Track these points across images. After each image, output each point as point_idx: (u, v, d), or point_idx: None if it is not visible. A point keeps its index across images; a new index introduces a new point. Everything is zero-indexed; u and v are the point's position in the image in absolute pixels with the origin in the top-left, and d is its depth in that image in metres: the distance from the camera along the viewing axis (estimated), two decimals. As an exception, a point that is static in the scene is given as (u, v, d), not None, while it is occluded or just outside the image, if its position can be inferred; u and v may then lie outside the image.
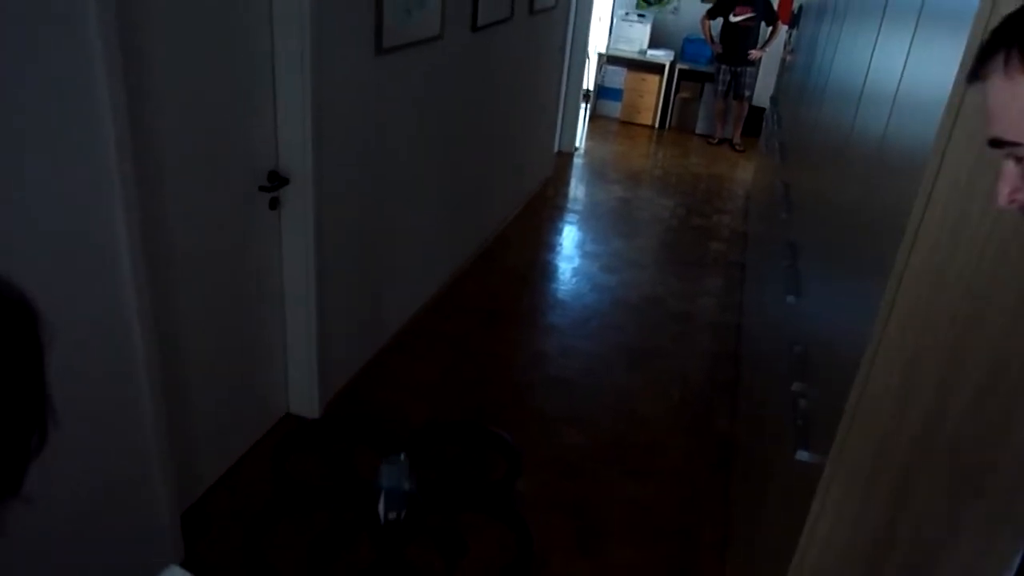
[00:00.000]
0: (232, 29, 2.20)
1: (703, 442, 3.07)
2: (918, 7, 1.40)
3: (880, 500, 1.27)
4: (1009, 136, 0.66)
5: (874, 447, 1.23)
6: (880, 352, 1.19)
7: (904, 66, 1.43)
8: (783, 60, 5.94)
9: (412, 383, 3.25)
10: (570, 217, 5.55)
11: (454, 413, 3.08)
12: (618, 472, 2.84)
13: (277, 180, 2.49)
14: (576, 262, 4.71)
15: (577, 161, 6.86)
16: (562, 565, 2.38)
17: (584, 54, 6.82)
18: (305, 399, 2.91)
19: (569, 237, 5.19)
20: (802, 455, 1.41)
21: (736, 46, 6.98)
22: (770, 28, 6.97)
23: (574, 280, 4.43)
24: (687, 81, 7.98)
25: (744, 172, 6.86)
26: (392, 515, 1.65)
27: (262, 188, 2.46)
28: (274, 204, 2.53)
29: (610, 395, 3.35)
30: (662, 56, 7.88)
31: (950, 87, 1.05)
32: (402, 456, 1.72)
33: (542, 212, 5.47)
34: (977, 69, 0.66)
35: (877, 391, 1.21)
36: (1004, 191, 0.69)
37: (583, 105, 7.24)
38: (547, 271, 4.65)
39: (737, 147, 7.48)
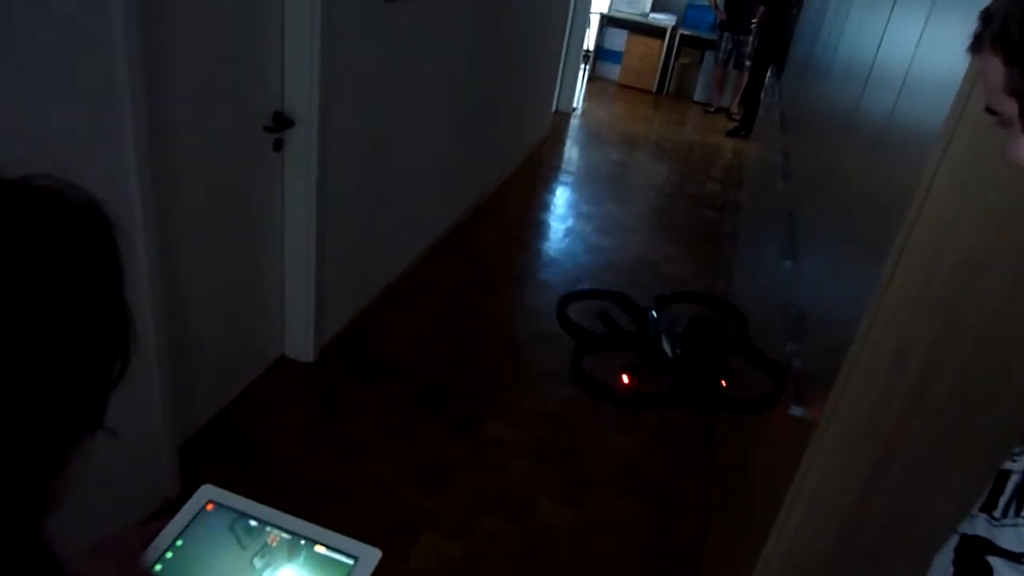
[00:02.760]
0: (244, -36, 2.17)
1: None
2: None
3: (872, 452, 1.33)
4: (992, 105, 0.74)
5: (870, 401, 1.29)
6: (880, 314, 1.24)
7: (917, 47, 1.45)
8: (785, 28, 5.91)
9: (406, 333, 3.29)
10: (565, 178, 5.55)
11: (448, 363, 3.12)
12: (606, 427, 2.91)
13: (282, 122, 2.48)
14: (570, 222, 4.73)
15: (574, 122, 6.84)
16: (548, 511, 2.45)
17: (587, 14, 6.76)
18: (300, 343, 2.93)
19: (564, 197, 5.20)
20: (796, 411, 1.46)
21: (741, 14, 6.94)
22: None
23: (567, 240, 4.46)
24: (688, 47, 7.94)
25: (737, 143, 6.87)
26: (675, 345, 2.16)
27: (267, 129, 2.45)
28: (278, 145, 2.53)
29: (600, 353, 3.39)
30: (664, 20, 7.82)
31: (963, 70, 1.08)
32: (652, 313, 2.31)
33: (538, 171, 5.47)
34: (973, 43, 0.74)
35: (875, 348, 1.26)
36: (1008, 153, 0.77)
37: (582, 66, 7.19)
38: (541, 230, 4.67)
39: (733, 116, 7.48)
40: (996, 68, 0.72)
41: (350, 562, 0.69)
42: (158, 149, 1.86)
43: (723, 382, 2.45)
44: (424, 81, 3.32)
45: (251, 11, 2.25)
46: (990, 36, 0.71)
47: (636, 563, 2.33)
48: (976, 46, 0.74)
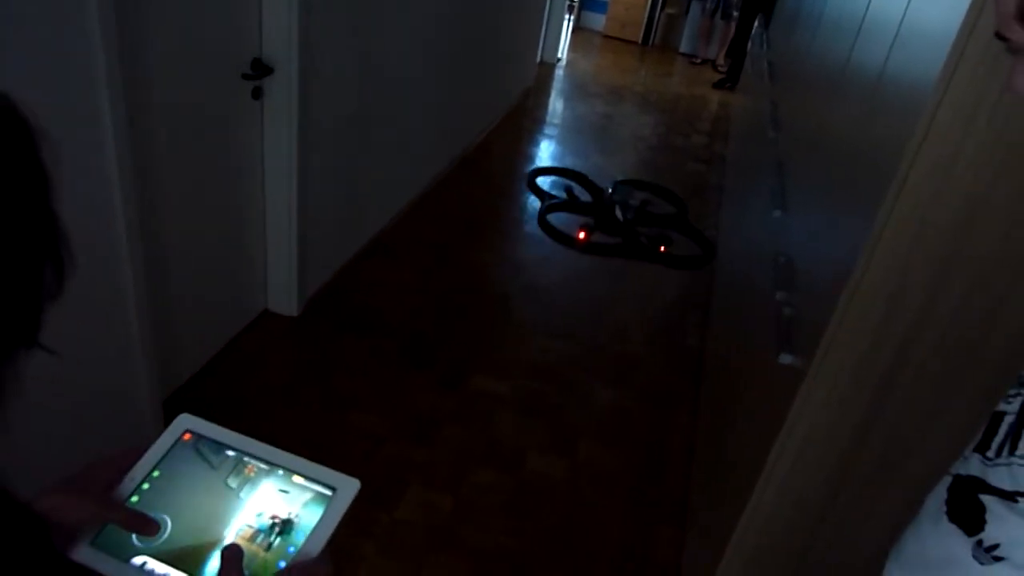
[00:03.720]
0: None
1: (676, 355, 3.15)
2: None
3: (861, 399, 1.33)
4: (1002, 31, 0.73)
5: (861, 346, 1.28)
6: (874, 258, 1.22)
7: (909, 1, 1.41)
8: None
9: (392, 286, 3.26)
10: (550, 130, 5.48)
11: (435, 317, 3.10)
12: (594, 380, 2.92)
13: (261, 69, 2.40)
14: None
15: (559, 72, 6.73)
16: (537, 461, 2.47)
17: (572, -39, 6.60)
18: (283, 297, 2.90)
19: (549, 150, 5.14)
20: (785, 358, 1.46)
21: (728, -38, 6.81)
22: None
23: (554, 193, 4.41)
24: (674, -3, 7.80)
25: (723, 94, 6.80)
26: (627, 214, 3.10)
27: (245, 76, 2.37)
28: (257, 93, 2.45)
29: (588, 306, 3.40)
30: (651, -32, 7.66)
31: (958, 25, 1.05)
32: (610, 189, 3.29)
33: (523, 123, 5.39)
34: None
35: (868, 293, 1.25)
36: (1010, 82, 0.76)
37: (567, 16, 7.05)
38: (527, 183, 4.62)
39: (719, 68, 7.39)
40: None
41: (328, 493, 0.69)
42: (132, 97, 1.79)
43: (662, 247, 3.43)
44: (407, 30, 3.23)
45: (226, -49, 2.16)
46: None
47: (624, 512, 2.35)
48: None
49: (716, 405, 2.49)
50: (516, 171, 4.73)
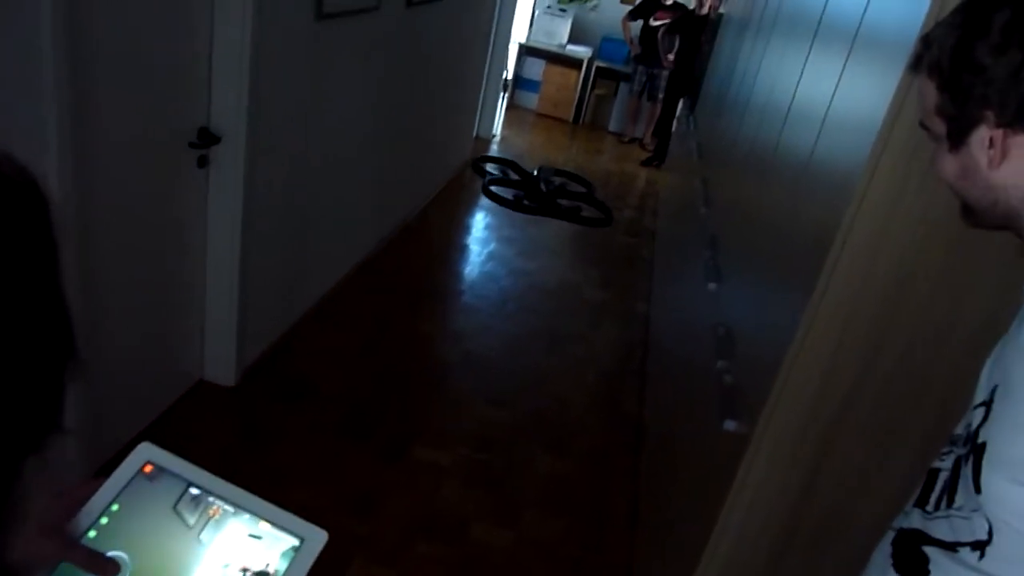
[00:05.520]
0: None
1: (615, 423, 3.20)
2: (852, 35, 1.51)
3: (804, 461, 1.40)
4: (925, 123, 0.84)
5: (801, 413, 1.36)
6: (811, 332, 1.31)
7: (836, 88, 1.54)
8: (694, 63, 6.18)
9: (331, 355, 3.22)
10: (485, 202, 5.60)
11: (375, 386, 3.08)
12: (535, 448, 2.93)
13: (207, 138, 2.41)
14: (492, 246, 4.77)
15: (494, 147, 6.91)
16: (482, 533, 2.44)
17: (507, 43, 6.88)
18: (221, 366, 2.83)
19: (487, 221, 5.24)
20: (729, 424, 1.52)
21: (654, 49, 7.22)
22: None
23: (491, 263, 4.49)
24: (603, 79, 8.18)
25: (651, 172, 7.11)
26: (549, 188, 5.33)
27: (191, 145, 2.38)
28: (203, 162, 2.45)
29: (527, 375, 3.43)
30: (581, 52, 8.05)
31: (882, 116, 1.18)
32: (536, 171, 5.62)
33: (461, 194, 5.50)
34: (912, 63, 0.83)
35: (806, 365, 1.33)
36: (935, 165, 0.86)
37: (502, 94, 7.30)
38: (466, 252, 4.69)
39: (647, 147, 7.73)
40: (931, 91, 0.80)
41: (296, 542, 0.65)
42: (79, 164, 1.78)
43: (577, 212, 5.25)
44: (351, 102, 3.30)
45: (178, 26, 2.20)
46: (928, 62, 0.79)
47: (568, 582, 2.35)
48: (915, 66, 0.81)
49: (658, 471, 2.54)
50: (454, 241, 4.80)
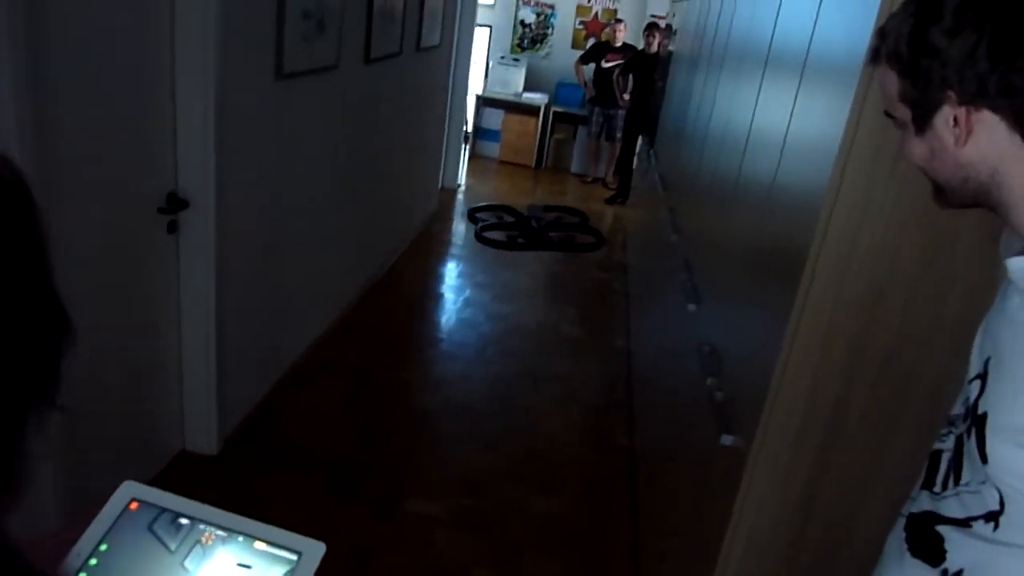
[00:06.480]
0: (132, 49, 2.13)
1: (606, 457, 3.17)
2: (801, 62, 1.56)
3: (804, 466, 1.40)
4: (889, 111, 0.86)
5: (796, 420, 1.36)
6: (796, 342, 1.34)
7: (791, 116, 1.58)
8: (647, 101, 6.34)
9: (313, 414, 3.17)
10: (455, 250, 5.62)
11: (360, 442, 3.02)
12: (526, 489, 2.88)
13: (176, 203, 2.40)
14: (468, 292, 4.77)
15: (460, 197, 6.97)
16: (482, 582, 2.39)
17: (465, 94, 7.00)
18: (202, 434, 2.76)
19: (458, 269, 5.25)
20: (726, 439, 1.52)
21: (608, 90, 7.39)
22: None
23: (469, 309, 4.48)
24: (561, 123, 8.34)
25: (617, 209, 7.21)
26: (538, 224, 5.73)
27: (160, 210, 2.36)
28: (172, 227, 2.44)
29: (512, 417, 3.40)
30: (537, 99, 8.21)
31: (840, 134, 1.21)
32: (525, 211, 6.05)
33: (430, 245, 5.52)
34: (871, 56, 0.86)
35: (796, 373, 1.35)
36: (904, 151, 0.88)
37: (464, 145, 7.40)
38: (442, 301, 4.68)
39: (609, 186, 7.85)
40: (891, 79, 0.82)
41: (293, 558, 0.64)
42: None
43: (572, 241, 5.73)
44: (316, 160, 3.32)
45: (141, 90, 2.20)
46: (886, 52, 0.81)
47: (576, 623, 2.29)
48: (874, 59, 0.84)
49: (655, 498, 2.51)
50: (428, 290, 4.79)
